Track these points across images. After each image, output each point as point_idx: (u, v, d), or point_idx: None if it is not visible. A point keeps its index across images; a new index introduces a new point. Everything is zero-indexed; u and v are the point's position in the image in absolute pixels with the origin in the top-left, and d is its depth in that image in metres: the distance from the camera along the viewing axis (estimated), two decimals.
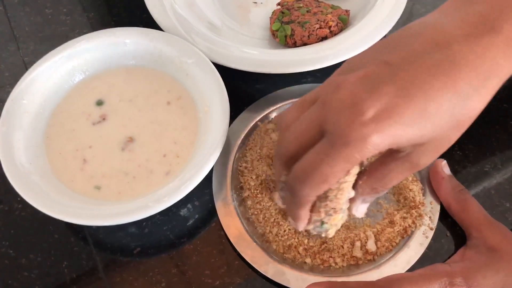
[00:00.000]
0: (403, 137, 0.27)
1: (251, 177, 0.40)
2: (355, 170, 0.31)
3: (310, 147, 0.30)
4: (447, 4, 0.31)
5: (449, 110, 0.27)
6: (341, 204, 0.32)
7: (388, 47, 0.30)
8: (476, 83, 0.27)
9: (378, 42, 0.32)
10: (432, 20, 0.30)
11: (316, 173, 0.29)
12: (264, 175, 0.40)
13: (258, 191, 0.39)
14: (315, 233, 0.36)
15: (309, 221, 0.34)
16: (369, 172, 0.32)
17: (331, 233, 0.35)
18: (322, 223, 0.34)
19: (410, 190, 0.39)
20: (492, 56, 0.28)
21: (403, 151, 0.29)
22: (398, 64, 0.28)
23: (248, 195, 0.39)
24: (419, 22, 0.30)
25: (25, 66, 0.50)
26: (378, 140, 0.27)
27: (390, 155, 0.30)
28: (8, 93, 0.41)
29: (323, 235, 0.35)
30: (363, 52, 0.32)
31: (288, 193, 0.33)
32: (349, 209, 0.34)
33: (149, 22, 0.47)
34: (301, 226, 0.34)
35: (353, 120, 0.27)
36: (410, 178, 0.40)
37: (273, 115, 0.44)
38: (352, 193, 0.33)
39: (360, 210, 0.34)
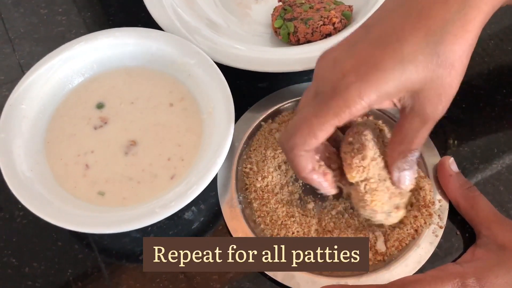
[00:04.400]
0: (388, 83, 0.28)
1: (257, 179, 0.39)
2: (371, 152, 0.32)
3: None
4: None
5: (427, 48, 0.28)
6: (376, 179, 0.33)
7: (370, 17, 0.32)
8: (449, 15, 0.28)
9: None
10: None
11: (303, 125, 0.30)
12: (270, 177, 0.39)
13: (264, 193, 0.39)
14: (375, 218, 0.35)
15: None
16: (391, 139, 0.33)
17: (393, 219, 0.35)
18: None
19: (421, 189, 0.38)
20: None
21: (406, 105, 0.30)
22: (372, 23, 0.30)
23: (254, 197, 0.39)
24: None
25: (21, 68, 0.49)
26: (362, 88, 0.28)
27: (401, 115, 0.31)
28: (4, 96, 0.41)
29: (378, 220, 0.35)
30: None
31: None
32: (392, 181, 0.33)
33: (147, 22, 0.46)
34: (324, 189, 0.33)
35: (335, 75, 0.29)
36: (421, 174, 0.39)
37: (277, 114, 0.43)
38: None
39: (402, 180, 0.33)
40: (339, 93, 0.29)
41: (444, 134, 0.43)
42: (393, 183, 0.33)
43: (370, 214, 0.34)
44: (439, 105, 0.30)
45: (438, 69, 0.28)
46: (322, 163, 0.33)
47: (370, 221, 0.38)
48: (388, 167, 0.33)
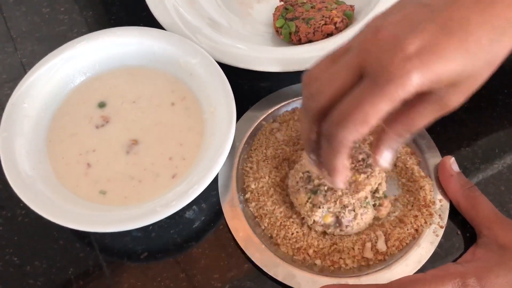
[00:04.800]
0: (446, 72, 0.27)
1: (257, 179, 0.39)
2: None
3: (345, 94, 0.29)
4: None
5: (487, 44, 0.27)
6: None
7: None
8: (510, 16, 0.28)
9: None
10: None
11: (357, 112, 0.28)
12: (266, 177, 0.39)
13: (259, 195, 0.39)
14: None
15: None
16: (393, 118, 0.30)
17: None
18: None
19: (421, 188, 0.38)
20: None
21: (435, 93, 0.29)
22: (437, 5, 0.28)
23: (249, 198, 0.39)
24: None
25: (23, 67, 0.49)
26: (422, 76, 0.27)
27: (419, 98, 0.29)
28: (6, 96, 0.41)
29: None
30: (398, 1, 0.31)
31: (324, 144, 0.31)
32: (373, 159, 0.32)
33: (149, 21, 0.46)
34: (340, 181, 0.32)
35: (396, 56, 0.27)
36: (422, 174, 0.39)
37: (278, 114, 0.44)
38: None
39: (385, 157, 0.32)
40: (399, 76, 0.27)
41: (446, 134, 0.43)
42: (374, 159, 0.32)
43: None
44: (464, 97, 0.29)
45: (486, 67, 0.28)
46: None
47: (371, 221, 0.38)
48: (375, 143, 0.32)
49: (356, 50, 0.29)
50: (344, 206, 0.36)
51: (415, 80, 0.27)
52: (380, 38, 0.28)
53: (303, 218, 0.38)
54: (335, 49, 0.31)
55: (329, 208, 0.36)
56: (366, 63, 0.28)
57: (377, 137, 0.32)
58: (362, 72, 0.28)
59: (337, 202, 0.35)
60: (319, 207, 0.36)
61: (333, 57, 0.30)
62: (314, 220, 0.36)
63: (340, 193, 0.35)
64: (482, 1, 0.28)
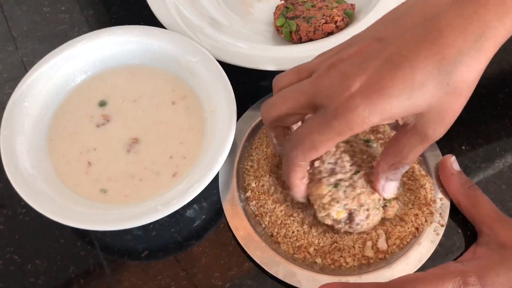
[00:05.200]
0: (393, 109, 0.28)
1: (257, 177, 0.39)
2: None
3: (295, 114, 0.33)
4: None
5: (438, 76, 0.28)
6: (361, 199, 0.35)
7: (382, 23, 0.31)
8: (465, 46, 0.27)
9: (378, 19, 0.33)
10: None
11: (306, 139, 0.31)
12: (266, 176, 0.39)
13: (260, 194, 0.39)
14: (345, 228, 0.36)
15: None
16: (385, 149, 0.33)
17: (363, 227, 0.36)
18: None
19: (422, 187, 0.38)
20: (480, 18, 0.27)
21: (408, 123, 0.30)
22: (387, 39, 0.29)
23: (250, 197, 0.39)
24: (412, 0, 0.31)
25: (24, 66, 0.49)
26: (367, 113, 0.28)
27: (401, 130, 0.31)
28: (7, 94, 0.41)
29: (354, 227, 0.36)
30: (364, 30, 0.33)
31: (283, 159, 0.35)
32: (376, 190, 0.35)
33: (150, 20, 0.46)
34: (295, 193, 0.36)
35: (341, 93, 0.29)
36: (422, 172, 0.39)
37: None
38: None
39: (387, 189, 0.35)
40: (343, 114, 0.29)
41: (446, 133, 0.42)
42: (376, 190, 0.35)
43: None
44: (441, 127, 0.30)
45: (445, 96, 0.28)
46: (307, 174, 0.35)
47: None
48: (374, 175, 0.35)
49: (312, 81, 0.31)
50: (360, 205, 0.35)
51: (360, 117, 0.28)
52: (331, 75, 0.30)
53: (303, 217, 0.38)
54: (303, 64, 0.34)
55: (345, 204, 0.35)
56: (317, 96, 0.30)
57: (374, 171, 0.35)
58: (314, 103, 0.31)
59: (355, 200, 0.35)
60: (337, 202, 0.35)
61: (300, 72, 0.34)
62: (328, 214, 0.35)
63: (358, 191, 0.35)
64: (432, 31, 0.28)
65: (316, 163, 0.36)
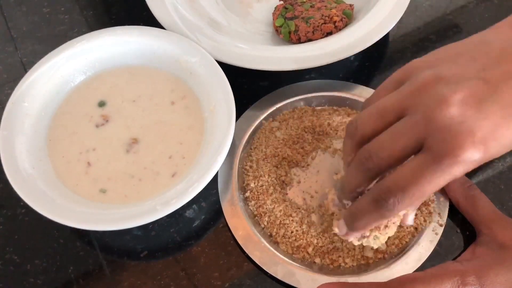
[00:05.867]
0: (495, 156, 0.28)
1: (257, 177, 0.40)
2: None
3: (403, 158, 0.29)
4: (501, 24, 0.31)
5: None
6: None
7: (476, 60, 0.29)
8: None
9: (453, 46, 0.31)
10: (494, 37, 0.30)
11: (414, 187, 0.28)
12: (266, 176, 0.39)
13: (259, 194, 0.39)
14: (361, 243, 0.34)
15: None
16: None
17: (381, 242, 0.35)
18: (375, 237, 0.33)
19: None
20: None
21: None
22: (496, 82, 0.28)
23: (249, 197, 0.39)
24: (481, 36, 0.31)
25: (24, 67, 0.49)
26: (481, 159, 0.27)
27: None
28: (7, 95, 0.41)
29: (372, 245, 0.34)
30: (449, 56, 0.31)
31: (366, 201, 0.30)
32: (402, 221, 0.34)
33: (149, 20, 0.46)
34: (353, 238, 0.33)
35: (464, 140, 0.27)
36: None
37: (278, 113, 0.44)
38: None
39: (410, 218, 0.34)
40: (462, 160, 0.27)
41: None
42: (403, 221, 0.34)
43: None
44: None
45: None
46: None
47: None
48: None
49: (421, 118, 0.28)
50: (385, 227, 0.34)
51: (475, 163, 0.27)
52: (447, 116, 0.27)
53: (302, 217, 0.38)
54: (382, 100, 0.30)
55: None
56: (430, 137, 0.28)
57: None
58: (422, 142, 0.28)
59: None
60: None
61: (382, 115, 0.30)
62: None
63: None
64: None
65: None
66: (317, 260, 0.36)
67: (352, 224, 0.32)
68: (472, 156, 0.27)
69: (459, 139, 0.27)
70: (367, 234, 0.33)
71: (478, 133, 0.27)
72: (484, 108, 0.27)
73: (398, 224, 0.34)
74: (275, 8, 0.49)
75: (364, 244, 0.34)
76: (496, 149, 0.27)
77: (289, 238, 0.37)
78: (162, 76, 0.44)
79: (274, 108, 0.43)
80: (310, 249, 0.37)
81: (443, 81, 0.29)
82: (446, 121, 0.27)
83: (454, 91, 0.28)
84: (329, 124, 0.42)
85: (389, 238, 0.37)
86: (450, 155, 0.27)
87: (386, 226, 0.33)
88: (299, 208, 0.38)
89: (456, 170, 0.27)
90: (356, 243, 0.34)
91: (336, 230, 0.34)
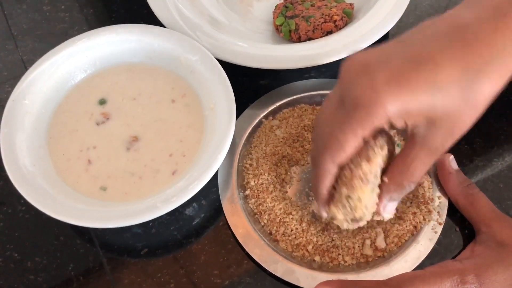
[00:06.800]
0: (413, 103, 0.28)
1: (252, 177, 0.40)
2: (375, 168, 0.31)
3: None
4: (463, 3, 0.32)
5: (459, 82, 0.28)
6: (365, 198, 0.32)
7: (407, 33, 0.31)
8: (490, 57, 0.28)
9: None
10: (448, 12, 0.31)
11: (331, 140, 0.30)
12: (265, 174, 0.40)
13: (258, 192, 0.39)
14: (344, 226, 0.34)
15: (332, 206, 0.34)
16: (391, 168, 0.32)
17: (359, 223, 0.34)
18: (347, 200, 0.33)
19: (420, 185, 0.38)
20: (504, 33, 0.28)
21: (417, 134, 0.30)
22: (411, 42, 0.29)
23: (249, 195, 0.39)
24: (437, 16, 0.31)
25: (24, 64, 0.49)
26: (388, 103, 0.28)
27: (408, 144, 0.31)
28: (7, 93, 0.41)
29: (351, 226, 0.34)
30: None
31: (312, 172, 0.33)
32: (377, 210, 0.33)
33: (150, 18, 0.47)
34: (322, 209, 0.34)
35: (363, 84, 0.28)
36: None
37: (278, 111, 0.44)
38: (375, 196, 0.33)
39: (388, 209, 0.34)
40: (364, 103, 0.28)
41: None
42: (377, 210, 0.34)
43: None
44: (449, 140, 0.30)
45: (462, 105, 0.28)
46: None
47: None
48: (379, 196, 0.33)
49: (338, 84, 0.31)
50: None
51: (382, 107, 0.28)
52: (353, 69, 0.30)
53: (302, 215, 0.38)
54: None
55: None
56: (342, 90, 0.30)
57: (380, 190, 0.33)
58: (342, 101, 0.30)
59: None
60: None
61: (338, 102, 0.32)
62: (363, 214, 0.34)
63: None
64: (458, 39, 0.28)
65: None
66: (317, 258, 0.36)
67: (314, 194, 0.34)
68: (375, 98, 0.28)
69: (361, 86, 0.29)
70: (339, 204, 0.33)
71: (379, 78, 0.28)
72: (390, 59, 0.29)
73: (372, 193, 0.33)
74: (276, 6, 0.49)
75: (337, 218, 0.34)
76: (407, 94, 0.28)
77: (289, 236, 0.37)
78: (163, 74, 0.44)
79: (274, 106, 0.44)
80: (309, 247, 0.37)
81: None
82: (352, 76, 0.29)
83: (366, 53, 0.30)
84: None
85: (388, 236, 0.37)
86: (354, 101, 0.29)
87: (352, 186, 0.32)
88: (298, 206, 0.39)
89: (363, 114, 0.28)
90: (324, 215, 0.34)
91: (314, 207, 0.35)
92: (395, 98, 0.28)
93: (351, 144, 0.30)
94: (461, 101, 0.28)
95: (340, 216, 0.34)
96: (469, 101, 0.28)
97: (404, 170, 0.32)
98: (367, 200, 0.32)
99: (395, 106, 0.28)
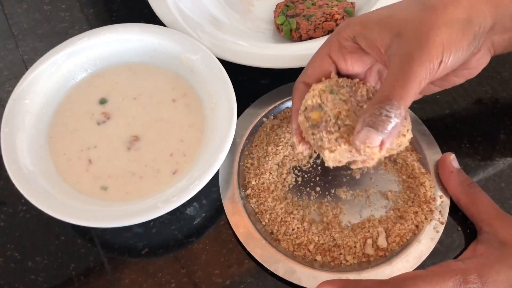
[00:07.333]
0: (372, 15, 0.33)
1: (253, 176, 0.40)
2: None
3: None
4: None
5: None
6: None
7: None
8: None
9: None
10: None
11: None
12: (267, 174, 0.39)
13: (260, 191, 0.39)
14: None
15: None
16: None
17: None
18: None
19: (421, 185, 0.38)
20: None
21: (390, 55, 0.31)
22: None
23: (250, 194, 0.39)
24: None
25: (25, 64, 0.49)
26: (350, 22, 0.33)
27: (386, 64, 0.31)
28: (7, 92, 0.41)
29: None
30: None
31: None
32: (353, 139, 0.29)
33: (150, 18, 0.46)
34: (296, 141, 0.34)
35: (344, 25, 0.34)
36: (422, 170, 0.39)
37: (279, 110, 0.44)
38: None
39: (360, 136, 0.28)
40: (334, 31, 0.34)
41: (446, 131, 0.43)
42: (352, 140, 0.29)
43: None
44: (419, 44, 0.29)
45: (421, 13, 0.30)
46: None
47: (372, 217, 0.38)
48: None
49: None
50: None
51: (342, 25, 0.34)
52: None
53: (303, 214, 0.38)
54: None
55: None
56: None
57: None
58: None
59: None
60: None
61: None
62: None
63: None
64: None
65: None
66: (318, 257, 0.36)
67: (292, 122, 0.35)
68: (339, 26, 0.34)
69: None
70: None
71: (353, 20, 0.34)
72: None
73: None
74: (276, 6, 0.49)
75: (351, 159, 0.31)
76: (365, 14, 0.33)
77: (290, 235, 0.37)
78: (163, 74, 0.44)
79: (274, 106, 0.43)
80: (311, 247, 0.37)
81: None
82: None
83: None
84: None
85: (389, 235, 0.37)
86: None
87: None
88: (300, 206, 0.39)
89: (330, 37, 0.34)
90: (300, 149, 0.34)
91: (299, 148, 0.34)
92: (355, 19, 0.33)
93: (318, 60, 0.34)
94: (418, 11, 0.30)
95: (312, 142, 0.32)
96: (426, 8, 0.30)
97: (380, 88, 0.29)
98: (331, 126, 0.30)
99: (356, 25, 0.32)
